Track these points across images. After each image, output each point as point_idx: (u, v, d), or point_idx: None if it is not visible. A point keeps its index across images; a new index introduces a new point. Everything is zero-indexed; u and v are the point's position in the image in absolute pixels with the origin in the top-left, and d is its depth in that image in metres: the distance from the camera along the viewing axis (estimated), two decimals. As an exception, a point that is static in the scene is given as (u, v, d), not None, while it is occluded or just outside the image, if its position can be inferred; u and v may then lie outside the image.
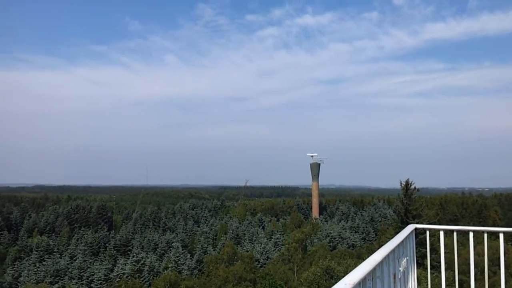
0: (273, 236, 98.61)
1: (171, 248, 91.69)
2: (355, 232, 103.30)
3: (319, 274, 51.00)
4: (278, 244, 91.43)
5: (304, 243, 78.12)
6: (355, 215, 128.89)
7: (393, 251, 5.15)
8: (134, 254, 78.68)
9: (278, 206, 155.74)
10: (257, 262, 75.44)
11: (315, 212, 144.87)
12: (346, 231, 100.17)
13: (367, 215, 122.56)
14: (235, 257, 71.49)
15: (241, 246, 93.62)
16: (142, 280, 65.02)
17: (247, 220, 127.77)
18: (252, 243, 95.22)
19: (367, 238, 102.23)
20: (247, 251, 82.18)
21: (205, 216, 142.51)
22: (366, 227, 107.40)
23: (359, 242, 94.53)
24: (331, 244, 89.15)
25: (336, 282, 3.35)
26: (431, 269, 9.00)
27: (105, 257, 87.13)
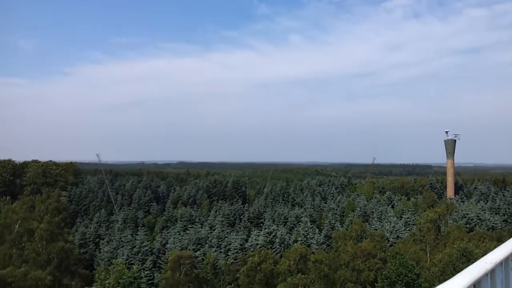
0: (403, 215, 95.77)
1: (300, 223, 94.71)
2: (496, 214, 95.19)
3: (455, 256, 48.79)
4: (409, 224, 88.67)
5: (437, 224, 74.56)
6: (495, 196, 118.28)
7: None
8: (266, 227, 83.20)
9: (408, 184, 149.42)
10: (386, 241, 74.41)
11: (449, 191, 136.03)
12: (485, 212, 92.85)
13: (509, 195, 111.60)
14: (364, 234, 71.41)
15: (369, 224, 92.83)
16: (274, 251, 68.79)
17: (375, 198, 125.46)
18: (381, 222, 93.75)
19: (509, 220, 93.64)
20: (376, 229, 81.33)
21: (332, 193, 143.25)
22: (509, 209, 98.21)
23: (499, 224, 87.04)
24: (468, 225, 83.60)
25: None
26: None
27: (240, 228, 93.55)
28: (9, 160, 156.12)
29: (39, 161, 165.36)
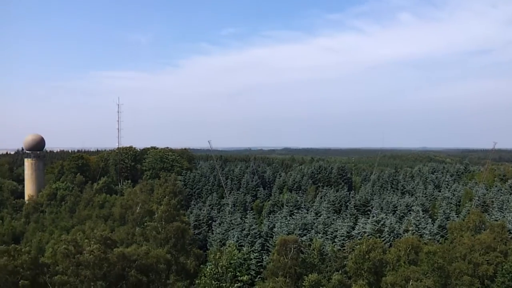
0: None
1: (410, 212, 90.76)
2: None
3: None
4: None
5: None
6: None
7: None
8: (374, 215, 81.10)
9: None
10: (508, 233, 68.20)
11: None
12: None
13: None
14: (483, 226, 66.30)
15: (488, 214, 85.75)
16: (383, 240, 66.89)
17: (496, 186, 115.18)
18: (502, 212, 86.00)
19: None
20: (496, 220, 74.95)
21: (447, 181, 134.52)
22: None
23: None
24: None
25: None
26: None
27: (346, 215, 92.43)
28: (131, 147, 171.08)
29: (157, 148, 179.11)
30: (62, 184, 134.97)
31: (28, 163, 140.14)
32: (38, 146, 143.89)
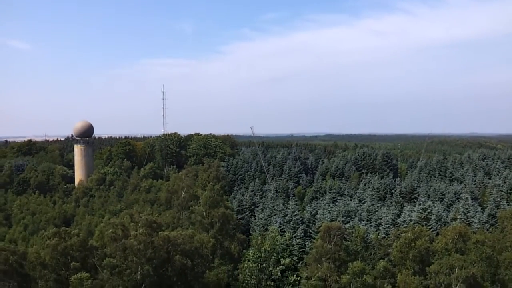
0: None
1: (459, 199, 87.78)
2: None
3: None
4: None
5: None
6: None
7: None
8: (421, 202, 78.99)
9: None
10: None
11: None
12: None
13: None
14: (537, 215, 63.11)
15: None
16: (429, 228, 65.17)
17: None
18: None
19: None
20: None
21: (498, 168, 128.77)
22: None
23: None
24: None
25: None
26: None
27: (391, 202, 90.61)
28: (175, 133, 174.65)
29: (201, 134, 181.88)
30: (110, 169, 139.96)
31: (77, 149, 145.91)
32: (87, 132, 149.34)
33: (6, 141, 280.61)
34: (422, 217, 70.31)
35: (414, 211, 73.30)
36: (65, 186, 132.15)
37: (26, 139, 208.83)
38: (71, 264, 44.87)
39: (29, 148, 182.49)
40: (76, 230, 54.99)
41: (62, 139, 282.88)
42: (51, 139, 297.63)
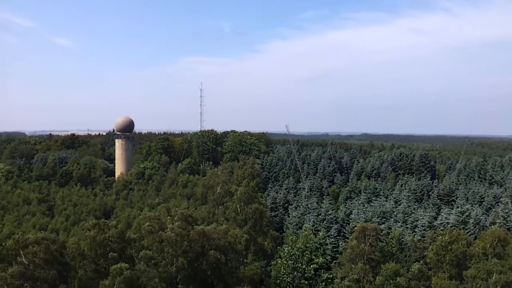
0: None
1: (498, 203, 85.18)
2: None
3: None
4: None
5: None
6: None
7: None
8: (459, 205, 77.21)
9: None
10: None
11: None
12: None
13: None
14: None
15: None
16: (467, 232, 63.68)
17: None
18: None
19: None
20: None
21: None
22: None
23: None
24: None
25: None
26: None
27: (428, 204, 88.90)
28: (212, 130, 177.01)
29: (236, 131, 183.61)
30: (149, 163, 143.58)
31: (118, 144, 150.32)
32: (127, 128, 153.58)
33: (51, 134, 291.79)
34: (459, 221, 68.76)
35: (452, 214, 71.75)
36: (106, 179, 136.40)
37: (69, 133, 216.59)
38: (109, 254, 46.45)
39: (72, 141, 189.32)
40: (114, 222, 56.86)
41: (104, 133, 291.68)
42: (93, 134, 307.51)
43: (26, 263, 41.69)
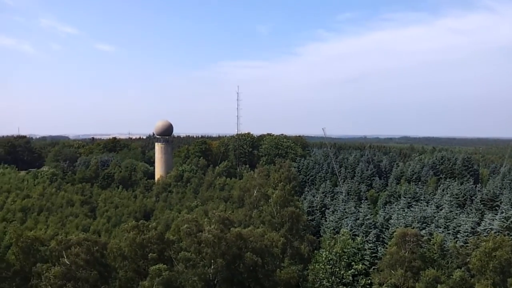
0: None
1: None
2: None
3: None
4: None
5: None
6: None
7: None
8: (503, 210, 74.35)
9: None
10: None
11: None
12: None
13: None
14: None
15: None
16: (513, 239, 61.31)
17: None
18: None
19: None
20: None
21: None
22: None
23: None
24: None
25: None
26: None
27: (471, 210, 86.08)
28: (249, 133, 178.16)
29: (273, 134, 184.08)
30: (187, 166, 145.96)
31: (158, 147, 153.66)
32: (167, 131, 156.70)
33: (93, 138, 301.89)
34: (504, 226, 66.28)
35: (496, 219, 69.25)
36: (146, 182, 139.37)
37: (111, 137, 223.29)
38: (149, 255, 47.54)
39: (114, 145, 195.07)
40: (154, 223, 58.13)
41: (144, 137, 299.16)
42: (134, 137, 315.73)
43: (69, 263, 43.23)
